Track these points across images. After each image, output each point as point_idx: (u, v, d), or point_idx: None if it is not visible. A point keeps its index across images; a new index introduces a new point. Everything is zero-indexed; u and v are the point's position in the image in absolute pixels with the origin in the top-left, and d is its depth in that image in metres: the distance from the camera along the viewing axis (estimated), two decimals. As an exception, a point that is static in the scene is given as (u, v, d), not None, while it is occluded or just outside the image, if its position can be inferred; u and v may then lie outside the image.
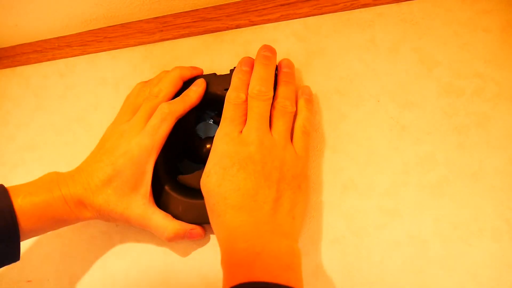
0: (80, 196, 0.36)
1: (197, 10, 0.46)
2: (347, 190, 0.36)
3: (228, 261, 0.31)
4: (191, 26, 0.46)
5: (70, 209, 0.36)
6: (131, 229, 0.43)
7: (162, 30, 0.47)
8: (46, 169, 0.48)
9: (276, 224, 0.31)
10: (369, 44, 0.39)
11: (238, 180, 0.32)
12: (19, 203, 0.34)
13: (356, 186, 0.36)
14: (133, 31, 0.49)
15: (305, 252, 0.36)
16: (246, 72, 0.37)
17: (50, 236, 0.45)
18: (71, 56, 0.52)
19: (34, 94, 0.53)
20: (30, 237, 0.36)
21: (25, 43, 0.55)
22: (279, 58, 0.40)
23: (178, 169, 0.42)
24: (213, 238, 0.39)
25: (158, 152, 0.37)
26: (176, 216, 0.38)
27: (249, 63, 0.37)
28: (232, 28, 0.44)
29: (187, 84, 0.40)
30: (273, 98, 0.36)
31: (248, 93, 0.35)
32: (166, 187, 0.39)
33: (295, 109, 0.36)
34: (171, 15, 0.47)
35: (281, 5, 0.42)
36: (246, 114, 0.35)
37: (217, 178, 0.33)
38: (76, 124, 0.49)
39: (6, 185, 0.35)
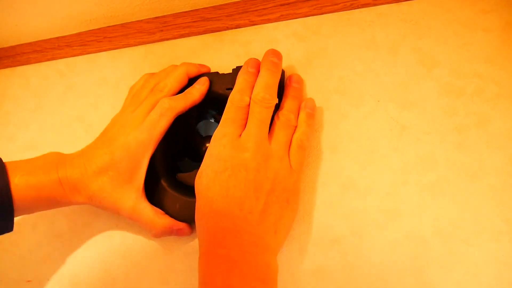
0: (76, 181, 0.36)
1: (197, 10, 0.46)
2: (347, 190, 0.36)
3: (205, 265, 0.31)
4: (191, 26, 0.46)
5: (64, 191, 0.36)
6: (131, 229, 0.43)
7: (162, 30, 0.47)
8: (46, 169, 0.48)
9: (258, 236, 0.31)
10: (369, 44, 0.39)
11: (228, 186, 0.32)
12: (16, 183, 0.35)
13: (356, 186, 0.36)
14: (133, 31, 0.49)
15: (305, 252, 0.36)
16: (252, 74, 0.37)
17: (50, 236, 0.45)
18: (71, 56, 0.52)
19: (34, 94, 0.53)
20: (24, 214, 0.37)
21: (25, 43, 0.55)
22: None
23: (178, 167, 0.42)
24: (213, 238, 0.39)
25: (155, 147, 0.37)
26: (173, 213, 0.38)
27: (256, 65, 0.37)
28: (232, 28, 0.44)
29: (192, 81, 0.40)
30: (276, 107, 0.36)
31: (251, 97, 0.35)
32: (165, 184, 0.39)
33: (296, 124, 0.37)
34: (171, 15, 0.47)
35: (281, 5, 0.42)
36: (247, 118, 0.35)
37: (207, 181, 0.33)
38: (76, 124, 0.49)
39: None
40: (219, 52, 0.44)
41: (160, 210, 0.38)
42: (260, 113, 0.34)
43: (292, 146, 0.35)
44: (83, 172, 0.36)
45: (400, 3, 0.38)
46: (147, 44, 0.48)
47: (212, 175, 0.33)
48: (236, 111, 0.35)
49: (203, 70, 0.41)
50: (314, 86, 0.40)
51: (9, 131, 0.52)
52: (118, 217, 0.43)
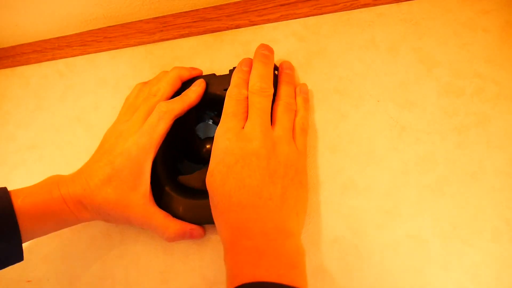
0: (80, 196, 0.35)
1: (197, 10, 0.46)
2: (347, 190, 0.36)
3: (232, 259, 0.31)
4: (191, 26, 0.46)
5: (70, 209, 0.36)
6: (131, 229, 0.43)
7: (162, 30, 0.47)
8: (46, 169, 0.48)
9: (281, 222, 0.31)
10: (369, 44, 0.39)
11: (243, 178, 0.32)
12: (19, 204, 0.34)
13: (356, 186, 0.36)
14: (133, 31, 0.49)
15: (305, 252, 0.36)
16: (246, 72, 0.37)
17: (50, 236, 0.45)
18: (71, 56, 0.52)
19: (34, 94, 0.53)
20: (32, 238, 0.36)
21: (25, 43, 0.55)
22: (279, 58, 0.40)
23: (178, 170, 0.42)
24: (213, 238, 0.39)
25: (156, 151, 0.37)
26: (177, 217, 0.38)
27: (249, 64, 0.38)
28: (232, 28, 0.44)
29: (186, 84, 0.40)
30: (273, 96, 0.36)
31: (249, 89, 0.36)
32: (167, 188, 0.39)
33: (296, 108, 0.37)
34: (171, 15, 0.47)
35: (281, 5, 0.42)
36: (247, 111, 0.35)
37: (221, 177, 0.33)
38: (76, 124, 0.49)
39: (8, 188, 0.35)
40: (219, 52, 0.44)
41: (169, 214, 0.38)
42: (260, 103, 0.35)
43: (296, 130, 0.36)
44: (86, 187, 0.35)
45: (400, 3, 0.38)
46: (147, 44, 0.48)
47: (224, 170, 0.33)
48: (236, 104, 0.35)
49: (195, 73, 0.41)
50: (314, 86, 0.40)
51: (9, 131, 0.52)
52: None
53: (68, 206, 0.36)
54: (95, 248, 0.43)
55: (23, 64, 0.55)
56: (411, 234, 0.34)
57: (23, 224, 0.34)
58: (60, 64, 0.52)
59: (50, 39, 0.53)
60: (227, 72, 0.39)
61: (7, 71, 0.55)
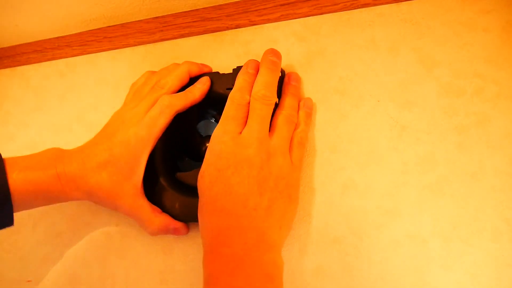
0: (74, 176, 0.36)
1: (197, 10, 0.46)
2: (347, 190, 0.36)
3: (210, 264, 0.31)
4: (191, 26, 0.46)
5: (62, 187, 0.36)
6: (131, 229, 0.43)
7: (162, 30, 0.47)
8: (46, 169, 0.48)
9: (262, 233, 0.31)
10: (369, 44, 0.39)
11: (231, 184, 0.32)
12: (14, 178, 0.34)
13: (356, 186, 0.36)
14: (133, 31, 0.49)
15: (305, 252, 0.36)
16: (252, 75, 0.37)
17: (50, 236, 0.45)
18: (71, 56, 0.52)
19: (34, 94, 0.53)
20: (23, 209, 0.37)
21: (25, 43, 0.55)
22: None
23: (178, 167, 0.42)
24: (213, 238, 0.39)
25: (154, 144, 0.37)
26: (172, 212, 0.38)
27: (256, 66, 0.37)
28: (232, 28, 0.44)
29: (193, 80, 0.40)
30: (275, 105, 0.36)
31: (251, 95, 0.35)
32: (165, 183, 0.39)
33: (297, 121, 0.37)
34: (171, 15, 0.47)
35: (281, 5, 0.42)
36: (247, 117, 0.35)
37: (210, 179, 0.33)
38: (76, 124, 0.49)
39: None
40: (219, 52, 0.44)
41: (158, 208, 0.38)
42: (261, 110, 0.35)
43: (293, 142, 0.36)
44: (82, 168, 0.36)
45: (400, 3, 0.38)
46: (147, 44, 0.48)
47: (214, 173, 0.33)
48: (236, 109, 0.35)
49: (205, 70, 0.41)
50: (314, 86, 0.40)
51: (9, 131, 0.52)
52: (118, 216, 0.43)
53: (62, 184, 0.36)
54: (95, 248, 0.43)
55: (23, 64, 0.55)
56: (411, 234, 0.34)
57: (15, 197, 0.34)
58: (60, 64, 0.52)
59: (50, 39, 0.53)
60: (230, 71, 0.39)
61: (7, 71, 0.55)
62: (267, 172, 0.32)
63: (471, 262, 0.32)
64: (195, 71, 0.41)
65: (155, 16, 0.48)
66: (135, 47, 0.48)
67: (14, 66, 0.55)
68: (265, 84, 0.35)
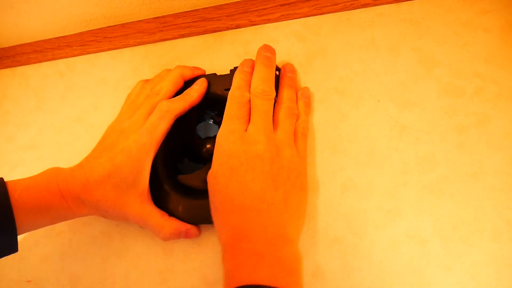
0: (78, 192, 0.36)
1: (197, 10, 0.46)
2: (347, 190, 0.36)
3: (231, 261, 0.31)
4: (191, 26, 0.46)
5: (67, 204, 0.36)
6: (131, 229, 0.43)
7: (162, 30, 0.47)
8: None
9: (282, 227, 0.32)
10: (369, 44, 0.39)
11: (246, 181, 0.32)
12: (16, 198, 0.34)
13: (356, 186, 0.36)
14: (133, 31, 0.49)
15: (305, 252, 0.36)
16: (248, 73, 0.37)
17: (50, 236, 0.45)
18: (71, 56, 0.52)
19: (34, 94, 0.53)
20: (28, 231, 0.36)
21: (25, 43, 0.55)
22: (279, 58, 0.40)
23: (178, 169, 0.42)
24: (213, 238, 0.39)
25: (157, 150, 0.37)
26: (176, 216, 0.38)
27: (251, 64, 0.38)
28: (232, 28, 0.44)
29: (188, 84, 0.40)
30: (275, 99, 0.36)
31: (251, 92, 0.36)
32: (166, 187, 0.39)
33: (298, 113, 0.37)
34: (171, 15, 0.47)
35: (281, 5, 0.42)
36: (249, 114, 0.35)
37: (224, 179, 0.33)
38: (76, 124, 0.49)
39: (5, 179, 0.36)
40: (219, 52, 0.44)
41: (166, 213, 0.38)
42: (263, 105, 0.35)
43: (297, 134, 0.36)
44: (85, 183, 0.35)
45: (400, 3, 0.38)
46: (147, 44, 0.48)
47: (228, 173, 0.33)
48: (238, 107, 0.35)
49: (198, 73, 0.41)
50: (314, 86, 0.40)
51: (9, 131, 0.52)
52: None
53: (66, 201, 0.36)
54: (95, 248, 0.43)
55: (23, 64, 0.55)
56: (411, 234, 0.34)
57: (19, 217, 0.34)
58: (60, 64, 0.52)
59: (50, 39, 0.53)
60: (228, 72, 0.39)
61: (7, 71, 0.55)
62: (279, 165, 0.33)
63: (471, 262, 0.32)
64: (188, 75, 0.41)
65: (155, 16, 0.48)
66: (135, 47, 0.48)
67: (14, 66, 0.55)
68: (263, 80, 0.36)
